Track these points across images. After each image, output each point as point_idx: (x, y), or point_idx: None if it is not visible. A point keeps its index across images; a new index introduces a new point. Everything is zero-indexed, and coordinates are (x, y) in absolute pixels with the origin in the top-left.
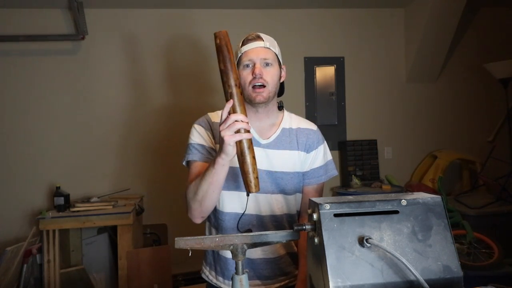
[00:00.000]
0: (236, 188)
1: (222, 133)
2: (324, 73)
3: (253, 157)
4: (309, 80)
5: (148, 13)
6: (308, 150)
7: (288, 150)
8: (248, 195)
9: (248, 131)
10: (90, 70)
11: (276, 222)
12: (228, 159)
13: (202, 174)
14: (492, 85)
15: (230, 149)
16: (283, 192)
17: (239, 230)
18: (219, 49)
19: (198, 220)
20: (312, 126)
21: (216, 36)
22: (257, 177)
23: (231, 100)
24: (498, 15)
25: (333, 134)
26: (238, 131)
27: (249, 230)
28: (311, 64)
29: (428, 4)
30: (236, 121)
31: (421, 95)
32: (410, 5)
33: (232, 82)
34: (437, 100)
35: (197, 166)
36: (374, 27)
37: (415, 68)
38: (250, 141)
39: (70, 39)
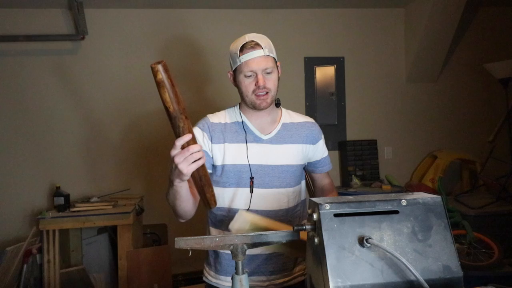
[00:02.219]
0: (240, 185)
1: (180, 166)
2: (324, 73)
3: (207, 176)
4: (309, 80)
5: (149, 13)
6: (313, 141)
7: (289, 144)
8: (252, 191)
9: (202, 157)
10: (90, 70)
11: (282, 216)
12: (183, 183)
13: (167, 189)
14: (492, 85)
15: (186, 178)
16: (289, 185)
17: None
18: (161, 84)
19: (180, 220)
20: (310, 119)
21: (156, 70)
22: (213, 193)
23: (189, 134)
24: (498, 15)
25: (333, 134)
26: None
27: None
28: (311, 64)
29: (428, 4)
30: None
31: (421, 95)
32: (410, 5)
33: (183, 115)
34: (437, 100)
35: None
36: (374, 27)
37: (415, 68)
38: (204, 164)
39: (70, 39)
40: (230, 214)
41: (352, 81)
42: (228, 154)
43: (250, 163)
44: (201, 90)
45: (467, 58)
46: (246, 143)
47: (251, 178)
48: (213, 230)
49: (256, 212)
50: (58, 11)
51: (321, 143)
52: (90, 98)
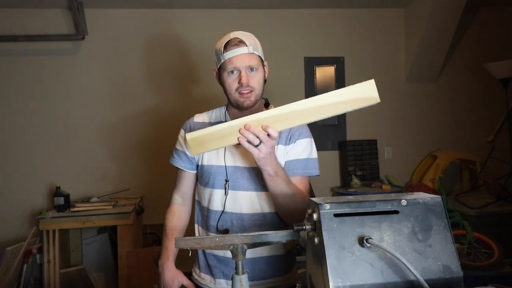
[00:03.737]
0: (215, 186)
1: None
2: (324, 73)
3: None
4: (309, 80)
5: (149, 13)
6: (287, 142)
7: None
8: (226, 194)
9: None
10: (90, 70)
11: (259, 220)
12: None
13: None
14: (492, 85)
15: None
16: (265, 189)
17: (217, 229)
18: None
19: None
20: None
21: None
22: None
23: None
24: (498, 15)
25: (333, 134)
26: None
27: (226, 230)
28: (311, 64)
29: (428, 4)
30: None
31: (421, 95)
32: (410, 5)
33: None
34: (437, 100)
35: (179, 173)
36: (374, 27)
37: (415, 68)
38: None
39: (70, 39)
40: (209, 214)
41: (352, 81)
42: (205, 154)
43: (226, 165)
44: (202, 91)
45: (467, 58)
46: None
47: (226, 180)
48: (197, 228)
49: (231, 214)
50: (58, 11)
51: (299, 144)
52: (90, 98)
